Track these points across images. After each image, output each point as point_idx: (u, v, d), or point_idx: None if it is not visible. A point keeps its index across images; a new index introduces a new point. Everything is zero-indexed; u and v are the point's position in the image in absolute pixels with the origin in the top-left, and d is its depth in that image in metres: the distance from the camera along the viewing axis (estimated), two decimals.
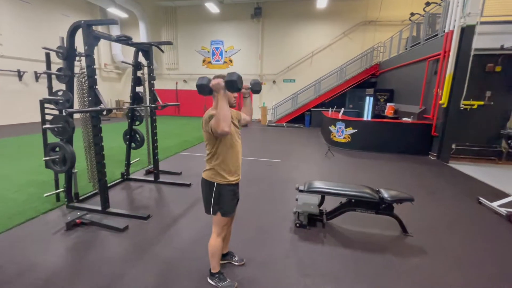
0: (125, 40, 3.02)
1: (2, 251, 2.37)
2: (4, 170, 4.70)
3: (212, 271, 2.03)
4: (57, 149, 2.99)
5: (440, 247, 2.64)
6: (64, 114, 2.91)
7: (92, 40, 2.69)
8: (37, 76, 10.91)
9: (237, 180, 1.92)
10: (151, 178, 4.33)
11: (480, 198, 3.76)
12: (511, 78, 5.74)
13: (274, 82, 14.25)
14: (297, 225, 2.94)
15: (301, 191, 3.05)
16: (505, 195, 3.93)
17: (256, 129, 11.20)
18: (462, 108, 5.90)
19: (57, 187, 3.36)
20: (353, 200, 2.89)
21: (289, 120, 12.87)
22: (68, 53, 2.78)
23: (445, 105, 6.04)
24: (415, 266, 2.33)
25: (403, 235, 2.83)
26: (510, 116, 5.87)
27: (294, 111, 12.86)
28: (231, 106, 1.85)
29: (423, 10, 8.25)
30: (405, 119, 7.48)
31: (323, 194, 3.04)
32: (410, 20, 9.26)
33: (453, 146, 6.11)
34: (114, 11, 12.52)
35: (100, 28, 13.52)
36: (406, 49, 9.03)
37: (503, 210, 3.36)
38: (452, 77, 5.85)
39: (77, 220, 2.82)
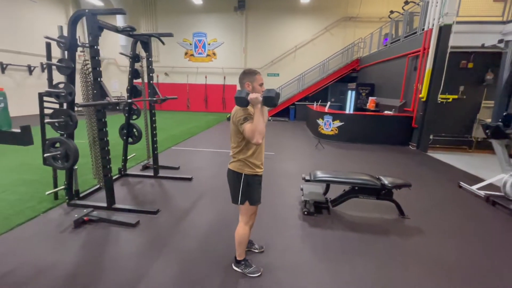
0: (129, 31, 2.91)
1: (12, 252, 2.25)
2: None
3: (238, 258, 2.11)
4: (57, 144, 2.85)
5: (434, 226, 2.93)
6: (65, 107, 2.78)
7: (96, 30, 2.57)
8: (3, 68, 9.98)
9: (262, 172, 1.99)
10: (149, 173, 4.26)
11: (461, 182, 4.17)
12: (481, 74, 6.31)
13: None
14: (305, 213, 3.09)
15: (307, 180, 3.19)
16: (480, 179, 4.38)
17: None
18: (439, 102, 6.40)
19: (56, 185, 3.20)
20: (356, 188, 3.10)
21: (274, 114, 13.04)
22: (70, 44, 2.64)
23: (424, 99, 6.50)
24: (416, 244, 2.58)
25: (401, 218, 3.09)
26: (480, 108, 6.48)
27: (279, 105, 13.02)
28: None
29: (402, 8, 8.71)
30: (387, 112, 7.94)
31: (328, 183, 3.21)
32: (389, 17, 9.72)
33: (431, 137, 6.63)
34: None
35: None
36: (386, 45, 9.50)
37: (481, 193, 3.77)
38: (430, 72, 6.31)
39: (85, 218, 2.73)
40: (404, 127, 7.21)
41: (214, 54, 14.32)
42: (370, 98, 9.68)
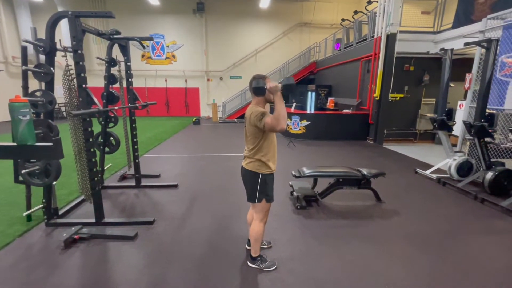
0: (113, 35, 2.76)
1: (0, 284, 1.98)
2: None
3: (254, 255, 2.21)
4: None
5: (405, 207, 3.42)
6: (42, 118, 2.52)
7: (80, 33, 2.41)
8: None
9: (275, 169, 2.13)
10: (129, 183, 4.03)
11: (417, 169, 4.89)
12: (420, 75, 7.42)
13: (221, 78, 14.27)
14: (298, 207, 3.31)
15: (297, 177, 3.42)
16: (429, 165, 5.19)
17: (210, 127, 11.12)
18: (390, 100, 7.32)
19: (29, 205, 2.85)
20: (340, 179, 3.44)
21: (240, 116, 13.18)
22: (50, 48, 2.41)
23: (378, 98, 7.36)
24: (395, 223, 3.00)
25: (378, 203, 3.53)
26: (421, 105, 7.59)
27: (243, 107, 13.21)
28: (270, 102, 2.06)
29: (352, 17, 9.67)
30: (345, 111, 8.73)
31: (316, 178, 3.49)
32: (341, 25, 10.68)
33: (385, 131, 7.54)
34: None
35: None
36: (339, 49, 10.42)
37: (433, 176, 4.49)
38: (382, 74, 7.18)
39: (75, 236, 2.51)
40: (362, 123, 8.04)
41: (173, 56, 13.84)
42: (329, 98, 10.50)
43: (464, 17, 6.06)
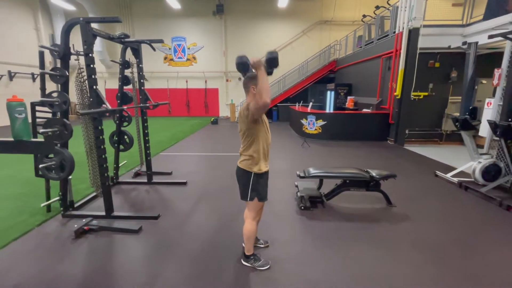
0: (122, 38, 2.92)
1: (15, 267, 2.18)
2: None
3: (247, 253, 2.22)
4: (51, 154, 2.78)
5: (418, 212, 3.22)
6: (58, 117, 2.73)
7: (91, 38, 2.57)
8: None
9: (268, 169, 2.11)
10: (142, 180, 4.22)
11: (437, 171, 4.58)
12: (447, 72, 6.93)
13: (239, 79, 14.39)
14: (302, 207, 3.26)
15: (302, 177, 3.37)
16: (452, 168, 4.83)
17: (227, 126, 11.28)
18: (412, 99, 6.92)
19: (48, 197, 3.10)
20: (347, 181, 3.32)
21: None
22: (64, 52, 2.61)
23: (399, 97, 6.99)
24: (404, 228, 2.84)
25: (389, 207, 3.36)
26: (448, 103, 7.08)
27: None
28: None
29: (374, 13, 9.28)
30: (365, 110, 8.41)
31: (322, 178, 3.41)
32: (362, 21, 10.30)
33: (407, 132, 7.14)
34: (58, 3, 11.21)
35: (35, 23, 11.99)
36: (360, 47, 10.05)
37: (455, 180, 4.17)
38: (403, 72, 6.81)
39: (85, 227, 2.70)
40: (382, 123, 7.69)
41: (194, 58, 14.25)
42: (349, 97, 10.17)
43: (497, 8, 5.55)
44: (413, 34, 6.54)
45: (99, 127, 2.76)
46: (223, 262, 2.28)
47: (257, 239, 2.52)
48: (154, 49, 3.81)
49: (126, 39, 3.14)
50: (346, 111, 9.04)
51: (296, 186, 3.62)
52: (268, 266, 2.19)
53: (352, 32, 11.25)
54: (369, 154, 6.23)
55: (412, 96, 6.90)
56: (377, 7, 9.10)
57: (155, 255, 2.37)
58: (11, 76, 10.81)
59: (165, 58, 14.23)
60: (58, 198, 2.98)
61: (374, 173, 3.30)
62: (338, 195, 3.39)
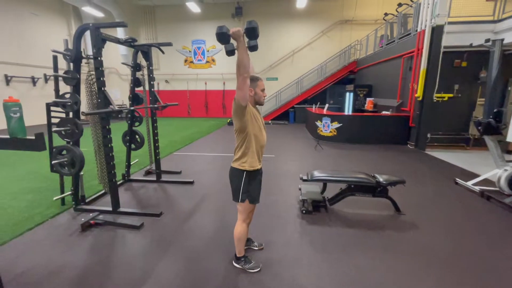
0: (130, 42, 3.06)
1: (24, 255, 2.37)
2: None
3: (238, 255, 2.21)
4: (64, 152, 2.98)
5: (429, 221, 3.01)
6: (71, 116, 2.92)
7: (100, 42, 2.72)
8: (7, 80, 10.22)
9: (261, 166, 2.08)
10: (152, 178, 4.37)
11: (456, 179, 4.26)
12: (475, 72, 6.43)
13: None
14: (303, 211, 3.19)
15: (305, 180, 3.30)
16: (476, 175, 4.46)
17: None
18: (435, 101, 6.50)
19: (62, 191, 3.33)
20: (352, 186, 3.19)
21: (274, 117, 13.18)
22: (76, 56, 2.79)
23: (420, 98, 6.61)
24: (411, 238, 2.66)
25: (397, 214, 3.18)
26: (476, 106, 6.57)
27: (278, 108, 13.19)
28: (260, 104, 2.04)
29: (396, 10, 8.88)
30: (384, 112, 8.05)
31: (325, 182, 3.32)
32: (384, 20, 9.89)
33: (428, 135, 6.72)
34: (89, 11, 12.02)
35: (72, 30, 12.93)
36: (381, 47, 9.65)
37: (476, 188, 3.85)
38: (425, 72, 6.42)
39: (91, 221, 2.85)
40: (401, 126, 7.31)
41: (213, 60, 14.54)
42: (368, 99, 9.80)
43: None
44: (437, 32, 6.16)
45: (107, 127, 2.91)
46: (215, 262, 2.29)
47: (251, 241, 2.51)
48: (163, 52, 3.94)
49: (135, 43, 3.28)
50: (364, 113, 8.71)
51: (300, 189, 3.55)
52: (259, 269, 2.17)
53: (373, 31, 10.85)
54: (385, 158, 5.95)
55: (434, 98, 6.49)
56: (400, 5, 8.68)
57: (152, 251, 2.44)
58: (46, 79, 11.77)
59: (185, 61, 14.67)
60: (70, 192, 3.18)
61: (381, 178, 3.14)
62: (342, 200, 3.28)
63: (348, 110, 11.43)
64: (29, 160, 5.52)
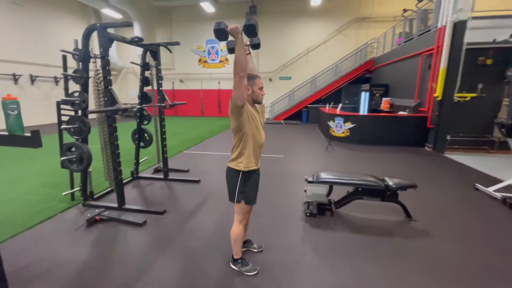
0: (137, 41, 3.11)
1: (31, 248, 2.46)
2: (16, 172, 4.74)
3: (235, 257, 2.17)
4: (73, 149, 3.07)
5: (443, 229, 2.82)
6: (80, 114, 3.00)
7: (107, 42, 2.77)
8: (32, 79, 10.80)
9: (257, 166, 2.03)
10: (160, 176, 4.43)
11: (477, 184, 3.98)
12: (502, 70, 6.00)
13: (270, 80, 14.38)
14: (308, 214, 3.09)
15: (310, 182, 3.20)
16: (499, 181, 4.15)
17: None
18: (455, 101, 6.14)
19: (72, 187, 3.44)
20: (359, 189, 3.06)
21: (287, 117, 13.04)
22: (84, 55, 2.86)
23: (439, 98, 6.26)
24: (421, 247, 2.50)
25: (408, 220, 3.01)
26: (501, 106, 6.12)
27: (291, 108, 13.03)
28: (258, 102, 1.99)
29: (416, 6, 8.48)
30: (401, 113, 7.71)
31: (331, 184, 3.20)
32: (403, 16, 9.49)
33: (448, 137, 6.36)
34: (109, 12, 12.45)
35: None
36: (399, 44, 9.26)
37: (498, 195, 3.58)
38: (445, 71, 6.08)
39: (97, 217, 2.91)
40: (419, 127, 6.96)
41: (226, 60, 14.61)
42: (384, 99, 9.44)
43: None
44: (459, 27, 5.80)
45: (113, 125, 2.96)
46: (213, 263, 2.26)
47: (251, 243, 2.46)
48: (170, 51, 3.98)
49: (143, 43, 3.32)
50: (379, 114, 8.39)
51: (305, 191, 3.45)
52: (256, 272, 2.11)
53: (390, 29, 10.44)
54: (400, 160, 5.69)
55: (455, 98, 6.13)
56: (420, 0, 8.29)
57: (151, 250, 2.45)
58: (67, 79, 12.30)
59: (199, 60, 14.84)
60: (78, 188, 3.27)
61: (391, 182, 2.99)
62: (349, 203, 3.15)
63: (363, 110, 11.08)
64: (48, 156, 5.78)
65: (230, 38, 1.75)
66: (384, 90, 10.00)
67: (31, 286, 1.97)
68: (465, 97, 6.18)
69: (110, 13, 12.55)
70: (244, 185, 1.98)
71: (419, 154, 6.25)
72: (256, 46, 2.15)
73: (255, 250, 2.42)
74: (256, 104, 2.08)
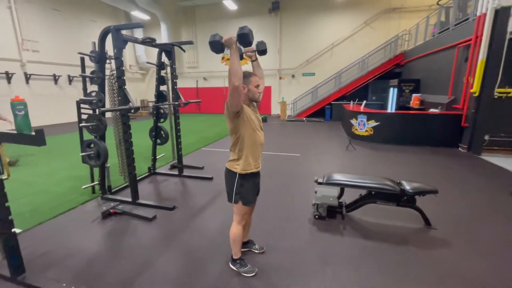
0: (149, 42, 3.20)
1: (50, 237, 2.67)
2: (47, 166, 5.18)
3: (234, 257, 2.15)
4: (92, 145, 3.26)
5: (466, 239, 2.56)
6: (97, 113, 3.17)
7: (121, 43, 2.89)
8: (70, 80, 11.73)
9: (257, 169, 1.99)
10: (176, 172, 4.56)
11: None
12: None
13: (293, 76, 14.12)
14: (316, 216, 2.98)
15: (320, 183, 3.07)
16: None
17: (275, 125, 11.22)
18: (496, 97, 5.52)
19: (92, 181, 3.67)
20: (373, 192, 2.87)
21: (309, 114, 12.73)
22: (100, 57, 3.01)
23: (476, 94, 5.67)
24: (437, 258, 2.29)
25: (426, 228, 2.77)
26: None
27: (314, 105, 12.69)
28: (255, 101, 1.95)
29: None
30: (432, 110, 7.12)
31: (342, 187, 3.05)
32: (438, 4, 8.72)
33: (486, 138, 5.75)
34: (138, 14, 13.06)
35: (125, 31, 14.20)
36: (433, 35, 8.54)
37: None
38: (484, 63, 5.48)
39: (111, 210, 3.08)
40: (452, 126, 6.38)
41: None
42: (414, 95, 8.79)
43: None
44: (501, 14, 5.18)
45: (127, 123, 3.09)
46: (213, 261, 2.27)
47: (252, 243, 2.43)
48: (183, 50, 4.05)
49: (157, 43, 3.41)
50: (406, 111, 7.83)
51: (316, 192, 3.33)
52: (254, 274, 2.08)
53: (424, 19, 9.65)
54: (428, 162, 5.26)
55: (496, 94, 5.50)
56: None
57: (158, 244, 2.53)
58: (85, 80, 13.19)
59: (222, 58, 15.01)
60: (97, 182, 3.48)
61: (408, 186, 2.77)
62: (362, 207, 2.98)
63: (391, 107, 10.44)
64: (79, 151, 6.24)
65: (242, 47, 1.74)
66: (414, 85, 9.29)
67: (45, 273, 2.13)
68: (508, 92, 5.52)
69: (139, 15, 13.16)
70: (241, 187, 1.94)
71: (451, 155, 5.73)
72: (262, 52, 2.12)
73: (256, 251, 2.38)
74: (256, 104, 2.03)
